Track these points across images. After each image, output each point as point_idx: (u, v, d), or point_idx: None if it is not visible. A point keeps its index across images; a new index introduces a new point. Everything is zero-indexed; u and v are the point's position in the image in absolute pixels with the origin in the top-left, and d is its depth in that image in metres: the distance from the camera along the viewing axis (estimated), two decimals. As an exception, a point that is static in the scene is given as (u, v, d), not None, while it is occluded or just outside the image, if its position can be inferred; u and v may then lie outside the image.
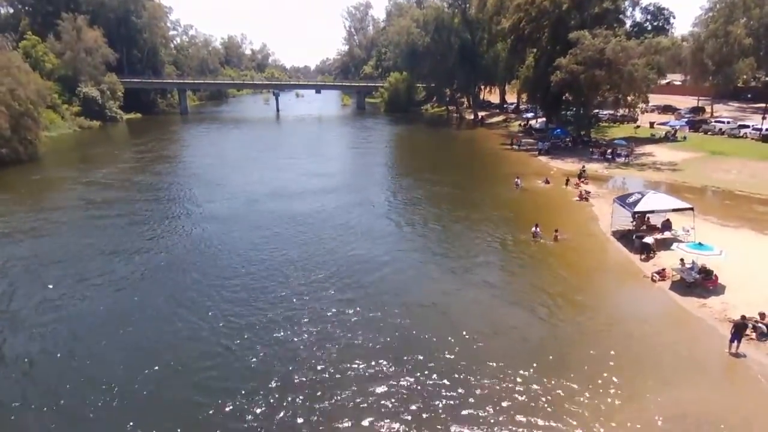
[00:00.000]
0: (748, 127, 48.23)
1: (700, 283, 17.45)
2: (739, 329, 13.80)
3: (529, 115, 68.70)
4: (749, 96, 67.75)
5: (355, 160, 50.60)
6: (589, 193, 31.44)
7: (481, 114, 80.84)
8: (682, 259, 18.23)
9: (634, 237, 22.06)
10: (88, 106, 72.78)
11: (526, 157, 46.85)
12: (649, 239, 20.82)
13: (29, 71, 48.59)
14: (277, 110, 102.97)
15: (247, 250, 22.18)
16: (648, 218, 23.06)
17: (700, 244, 18.05)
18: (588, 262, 21.30)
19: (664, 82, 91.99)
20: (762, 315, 14.77)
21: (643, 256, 20.73)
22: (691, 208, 21.91)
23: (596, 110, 52.54)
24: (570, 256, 21.57)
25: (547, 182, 35.28)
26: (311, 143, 60.54)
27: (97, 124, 71.45)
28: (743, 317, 14.09)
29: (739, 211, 27.65)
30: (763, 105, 51.17)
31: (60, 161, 46.98)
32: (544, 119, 60.73)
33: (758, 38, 59.32)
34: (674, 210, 22.27)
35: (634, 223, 23.69)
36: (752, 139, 46.07)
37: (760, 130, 46.05)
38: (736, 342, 13.82)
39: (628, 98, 46.30)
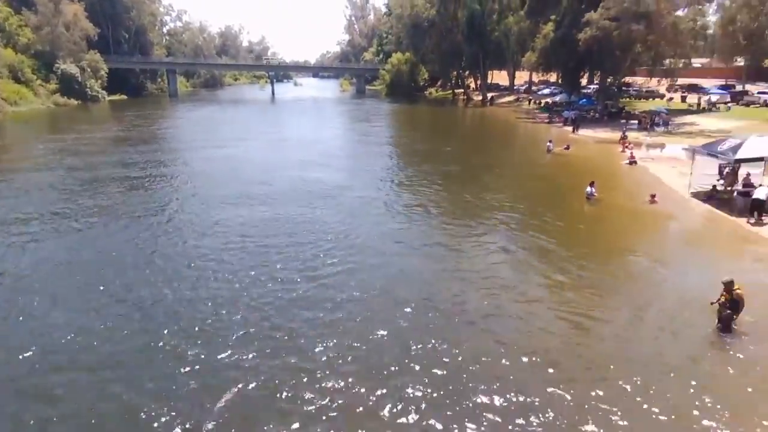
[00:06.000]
0: (799, 96, 42.75)
1: None
2: None
3: (546, 91, 62.70)
4: (780, 76, 61.92)
5: (358, 126, 45.29)
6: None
7: (490, 95, 75.08)
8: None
9: (735, 194, 16.49)
10: (67, 83, 67.02)
11: (551, 129, 41.13)
12: (762, 193, 15.10)
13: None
14: (273, 93, 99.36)
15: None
16: (748, 174, 17.30)
17: None
18: (685, 229, 15.81)
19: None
20: None
21: (752, 220, 15.10)
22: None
23: (625, 77, 46.73)
24: (655, 221, 16.08)
25: (567, 148, 29.36)
26: (308, 116, 55.79)
27: (74, 103, 65.65)
28: None
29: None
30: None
31: (22, 130, 41.48)
32: (563, 95, 54.93)
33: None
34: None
35: (722, 180, 18.20)
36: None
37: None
38: None
39: (666, 61, 40.59)
